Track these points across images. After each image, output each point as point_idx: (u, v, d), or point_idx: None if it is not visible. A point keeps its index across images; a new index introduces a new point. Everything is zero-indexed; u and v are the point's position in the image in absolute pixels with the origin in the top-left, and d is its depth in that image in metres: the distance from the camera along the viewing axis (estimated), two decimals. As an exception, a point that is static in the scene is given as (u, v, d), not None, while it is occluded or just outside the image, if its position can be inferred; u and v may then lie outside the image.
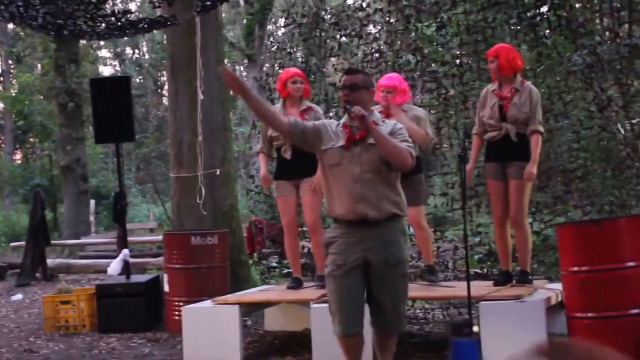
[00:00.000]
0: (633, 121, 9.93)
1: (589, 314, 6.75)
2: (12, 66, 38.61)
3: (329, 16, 11.94)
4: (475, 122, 8.14)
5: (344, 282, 5.76)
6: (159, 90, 45.46)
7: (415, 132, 7.73)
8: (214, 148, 11.02)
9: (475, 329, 4.13)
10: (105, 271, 12.45)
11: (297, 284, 8.64)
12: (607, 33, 10.72)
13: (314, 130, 5.91)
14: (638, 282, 6.71)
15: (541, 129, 7.71)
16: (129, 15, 10.10)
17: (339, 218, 5.84)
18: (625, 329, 6.60)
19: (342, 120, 5.96)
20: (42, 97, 30.62)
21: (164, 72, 34.31)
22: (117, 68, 46.59)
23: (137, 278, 10.94)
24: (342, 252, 5.77)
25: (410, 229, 8.48)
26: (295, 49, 12.38)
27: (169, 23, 10.25)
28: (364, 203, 5.70)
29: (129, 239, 12.14)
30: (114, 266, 10.83)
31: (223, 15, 16.18)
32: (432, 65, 11.00)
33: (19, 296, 13.73)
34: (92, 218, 23.66)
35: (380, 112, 7.84)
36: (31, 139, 33.79)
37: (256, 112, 5.89)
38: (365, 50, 11.23)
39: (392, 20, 11.67)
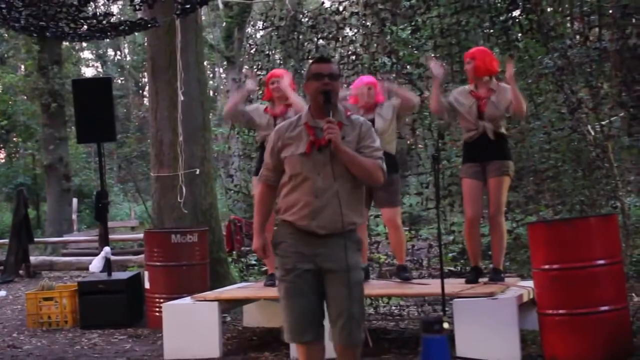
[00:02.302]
0: (603, 123, 9.99)
1: (560, 311, 6.84)
2: (-5, 67, 38.49)
3: (306, 19, 12.00)
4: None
5: (292, 288, 5.19)
6: (140, 91, 45.41)
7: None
8: (194, 148, 11.13)
9: (445, 325, 4.26)
10: (87, 268, 12.50)
11: (274, 281, 8.75)
12: (577, 37, 10.80)
13: (276, 160, 5.27)
14: (608, 279, 6.84)
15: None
16: (110, 18, 10.12)
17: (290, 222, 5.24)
18: (596, 326, 6.73)
19: (304, 118, 5.27)
20: (25, 97, 30.54)
21: (145, 74, 34.32)
22: (99, 69, 46.56)
23: (118, 275, 11.03)
24: (292, 255, 5.20)
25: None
26: (273, 51, 12.44)
27: (149, 25, 10.30)
28: (319, 220, 5.09)
29: (111, 237, 12.21)
30: (96, 263, 10.86)
31: (203, 17, 16.29)
32: (407, 67, 11.06)
33: (2, 293, 13.81)
34: (74, 216, 23.70)
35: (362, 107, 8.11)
36: (15, 139, 33.65)
37: None
38: (342, 53, 11.29)
39: (368, 24, 11.75)
